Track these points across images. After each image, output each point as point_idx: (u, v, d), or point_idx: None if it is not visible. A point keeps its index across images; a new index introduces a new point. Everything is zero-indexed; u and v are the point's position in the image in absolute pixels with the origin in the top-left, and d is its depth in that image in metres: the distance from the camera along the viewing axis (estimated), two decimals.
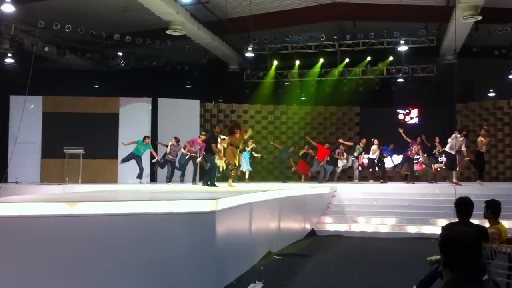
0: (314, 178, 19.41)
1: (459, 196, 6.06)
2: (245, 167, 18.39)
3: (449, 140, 15.89)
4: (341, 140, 18.92)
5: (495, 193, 12.74)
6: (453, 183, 15.70)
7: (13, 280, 6.16)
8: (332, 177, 18.90)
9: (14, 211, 6.40)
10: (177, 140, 16.94)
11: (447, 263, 2.50)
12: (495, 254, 5.43)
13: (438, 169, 17.37)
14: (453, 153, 15.80)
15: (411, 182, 17.16)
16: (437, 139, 17.69)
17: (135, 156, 16.41)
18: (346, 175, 20.42)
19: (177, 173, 17.34)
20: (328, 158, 18.47)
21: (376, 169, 18.58)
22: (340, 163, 18.81)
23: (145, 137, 16.68)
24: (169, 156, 16.99)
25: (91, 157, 17.05)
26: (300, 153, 19.85)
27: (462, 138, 15.90)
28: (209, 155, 13.62)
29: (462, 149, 16.09)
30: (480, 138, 15.96)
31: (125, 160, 16.65)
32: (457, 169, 16.51)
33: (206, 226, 6.84)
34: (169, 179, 16.89)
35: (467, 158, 17.81)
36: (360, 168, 18.84)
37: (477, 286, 2.43)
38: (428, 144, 17.76)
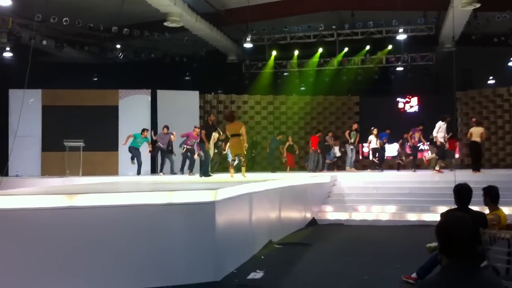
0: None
1: (458, 183, 6.07)
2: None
3: (436, 130, 15.72)
4: (328, 137, 18.92)
5: (495, 179, 12.74)
6: (436, 170, 15.75)
7: (14, 272, 6.18)
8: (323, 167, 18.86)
9: (13, 204, 6.41)
10: (168, 128, 17.04)
11: (443, 249, 2.51)
12: (494, 240, 5.44)
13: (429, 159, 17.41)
14: (443, 141, 15.76)
15: (414, 170, 17.21)
16: None
17: (133, 150, 16.37)
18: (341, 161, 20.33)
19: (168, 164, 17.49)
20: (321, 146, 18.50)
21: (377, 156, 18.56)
22: (336, 150, 18.82)
23: (143, 130, 16.63)
24: (160, 144, 17.04)
25: (92, 150, 17.08)
26: (286, 146, 19.82)
27: (445, 124, 15.78)
28: (202, 144, 13.68)
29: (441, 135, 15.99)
30: (474, 129, 15.92)
31: (133, 156, 16.54)
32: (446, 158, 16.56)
33: (206, 216, 6.86)
34: (161, 169, 17.00)
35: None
36: (355, 157, 18.81)
37: (472, 272, 2.44)
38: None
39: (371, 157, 18.93)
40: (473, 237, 2.52)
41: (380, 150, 18.35)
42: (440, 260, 2.61)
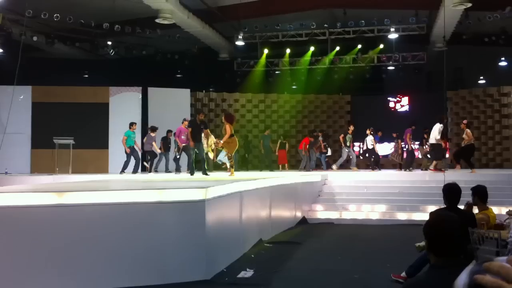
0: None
1: (447, 182, 6.09)
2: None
3: (437, 133, 15.66)
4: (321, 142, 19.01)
5: (485, 179, 12.79)
6: (431, 170, 15.81)
7: (3, 270, 6.14)
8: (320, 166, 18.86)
9: (2, 201, 6.37)
10: (153, 130, 17.04)
11: (431, 248, 2.52)
12: (483, 240, 5.47)
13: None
14: (439, 142, 15.78)
15: (409, 169, 17.23)
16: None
17: (130, 149, 16.31)
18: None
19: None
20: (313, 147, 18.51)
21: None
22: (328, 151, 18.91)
23: (132, 124, 16.49)
24: (147, 146, 17.04)
25: (82, 147, 16.97)
26: (278, 145, 19.91)
27: (442, 127, 15.80)
28: (195, 143, 13.54)
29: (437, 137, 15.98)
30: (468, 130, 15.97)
31: (128, 161, 16.47)
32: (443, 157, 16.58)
33: (196, 214, 6.86)
34: (150, 169, 16.97)
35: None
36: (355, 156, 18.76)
37: (460, 270, 2.44)
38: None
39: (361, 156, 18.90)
40: (460, 235, 2.53)
41: (374, 152, 18.29)
42: (429, 259, 2.62)
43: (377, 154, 18.49)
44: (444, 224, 2.50)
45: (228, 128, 12.60)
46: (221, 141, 13.15)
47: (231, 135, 12.67)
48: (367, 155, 18.47)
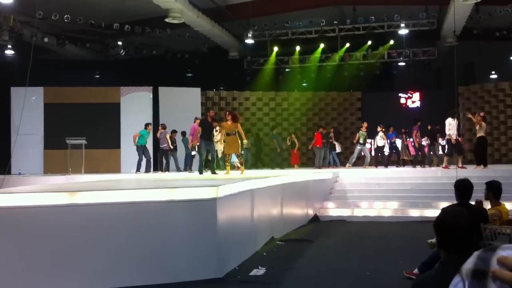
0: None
1: (459, 178, 6.06)
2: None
3: (447, 128, 15.46)
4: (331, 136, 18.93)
5: (497, 175, 12.67)
6: (443, 167, 15.68)
7: (16, 270, 6.20)
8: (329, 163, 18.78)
9: (16, 201, 6.43)
10: (163, 127, 17.01)
11: (441, 244, 2.51)
12: (495, 236, 5.44)
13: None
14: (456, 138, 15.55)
15: (424, 166, 17.15)
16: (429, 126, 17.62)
17: (142, 148, 16.36)
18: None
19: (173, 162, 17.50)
20: (325, 143, 18.40)
21: (386, 153, 18.45)
22: (338, 148, 18.84)
23: (147, 125, 16.64)
24: (162, 146, 17.03)
25: (94, 147, 17.08)
26: (289, 143, 19.78)
27: (455, 121, 15.61)
28: (206, 141, 13.43)
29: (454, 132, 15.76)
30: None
31: (140, 160, 16.52)
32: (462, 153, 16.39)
33: (208, 213, 6.88)
34: (166, 168, 16.97)
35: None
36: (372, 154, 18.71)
37: None
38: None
39: (373, 153, 18.82)
40: (469, 231, 2.51)
41: (382, 150, 18.24)
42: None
43: (395, 151, 18.41)
44: (453, 219, 2.49)
45: (239, 126, 12.64)
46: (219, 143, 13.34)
47: (233, 134, 12.64)
48: (386, 152, 18.39)
